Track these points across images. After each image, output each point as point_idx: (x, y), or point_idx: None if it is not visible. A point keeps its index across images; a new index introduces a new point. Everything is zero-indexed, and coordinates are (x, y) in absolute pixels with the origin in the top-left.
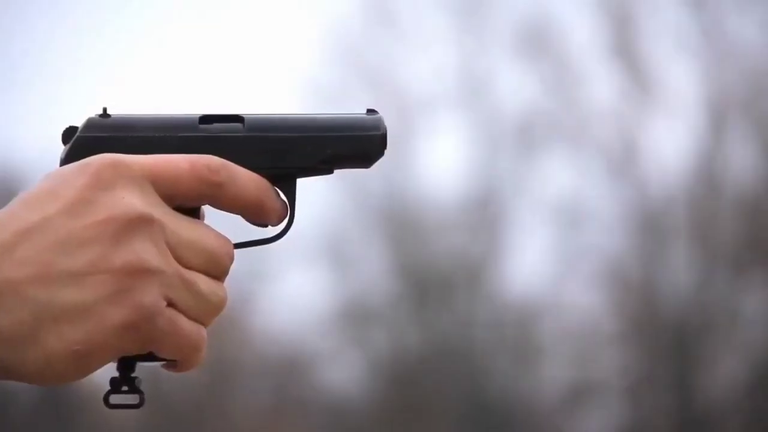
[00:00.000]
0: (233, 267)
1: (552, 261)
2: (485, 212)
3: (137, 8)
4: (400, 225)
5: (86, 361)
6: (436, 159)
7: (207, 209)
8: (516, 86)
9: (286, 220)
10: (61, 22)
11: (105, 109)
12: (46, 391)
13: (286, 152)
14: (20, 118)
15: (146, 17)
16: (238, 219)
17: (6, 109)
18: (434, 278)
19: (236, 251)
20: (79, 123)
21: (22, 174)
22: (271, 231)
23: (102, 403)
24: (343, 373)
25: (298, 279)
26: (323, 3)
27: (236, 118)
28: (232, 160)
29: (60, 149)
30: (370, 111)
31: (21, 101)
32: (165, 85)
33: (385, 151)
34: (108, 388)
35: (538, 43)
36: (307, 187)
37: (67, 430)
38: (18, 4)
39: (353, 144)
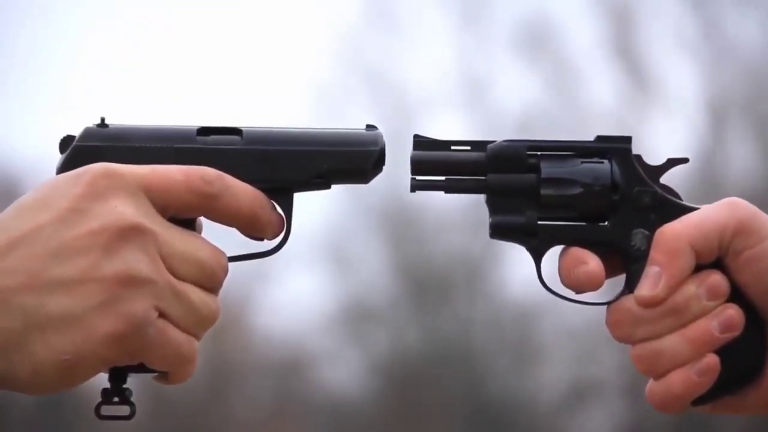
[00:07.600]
0: (233, 268)
1: (552, 260)
2: (485, 212)
3: (138, 14)
4: (400, 225)
5: (74, 371)
6: None
7: (205, 222)
8: (516, 86)
9: (282, 234)
10: (60, 22)
11: (103, 119)
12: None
13: (283, 165)
14: (16, 120)
15: (145, 19)
16: (237, 232)
17: (1, 110)
18: (434, 278)
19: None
20: (76, 131)
21: (19, 177)
22: (267, 244)
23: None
24: (343, 373)
25: (298, 279)
26: (323, 3)
27: (234, 131)
28: (228, 173)
29: (56, 155)
30: (370, 127)
31: (17, 102)
32: (164, 84)
33: (383, 168)
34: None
35: (538, 43)
36: None
37: (67, 430)
38: (13, 4)
39: (350, 159)
